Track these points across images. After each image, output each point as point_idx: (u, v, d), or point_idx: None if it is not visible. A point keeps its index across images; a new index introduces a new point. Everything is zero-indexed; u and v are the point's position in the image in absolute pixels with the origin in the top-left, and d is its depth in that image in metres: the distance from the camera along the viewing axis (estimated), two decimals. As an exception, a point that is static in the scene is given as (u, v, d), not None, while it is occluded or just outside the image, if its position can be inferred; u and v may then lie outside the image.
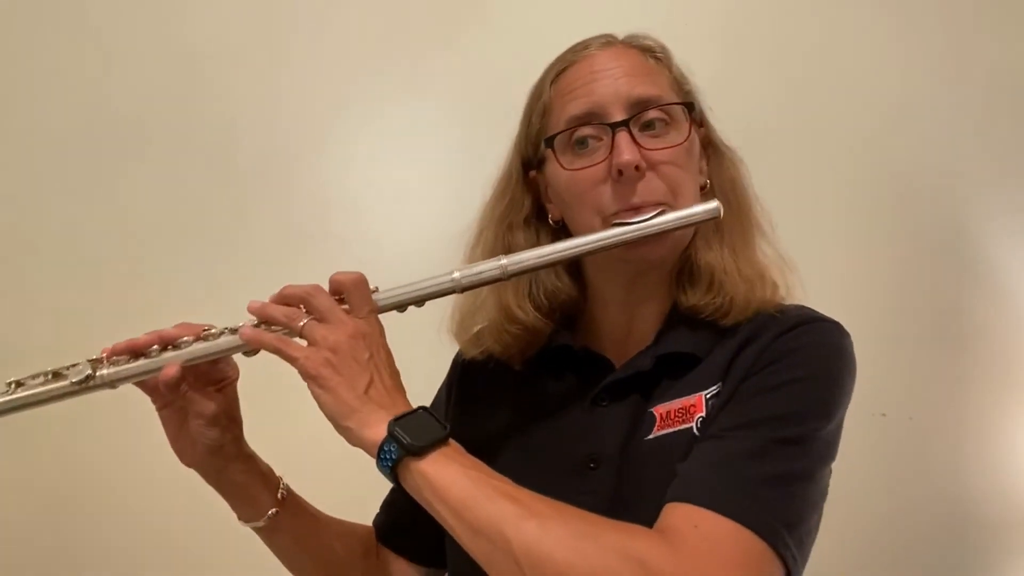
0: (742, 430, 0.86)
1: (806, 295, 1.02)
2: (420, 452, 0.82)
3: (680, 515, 0.80)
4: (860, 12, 1.83)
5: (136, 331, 0.95)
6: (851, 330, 0.97)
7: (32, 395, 0.94)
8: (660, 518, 0.82)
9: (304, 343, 0.89)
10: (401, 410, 0.87)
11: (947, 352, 1.74)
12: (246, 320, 0.93)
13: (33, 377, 0.95)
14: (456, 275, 0.96)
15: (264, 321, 0.92)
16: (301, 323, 0.89)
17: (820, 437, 0.88)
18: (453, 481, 0.81)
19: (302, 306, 0.91)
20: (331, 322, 0.88)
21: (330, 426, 1.42)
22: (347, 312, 0.90)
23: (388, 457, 0.83)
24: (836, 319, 0.98)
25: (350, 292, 0.91)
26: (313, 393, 0.87)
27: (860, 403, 0.96)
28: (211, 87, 1.80)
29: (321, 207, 1.76)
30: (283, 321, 0.90)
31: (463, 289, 0.97)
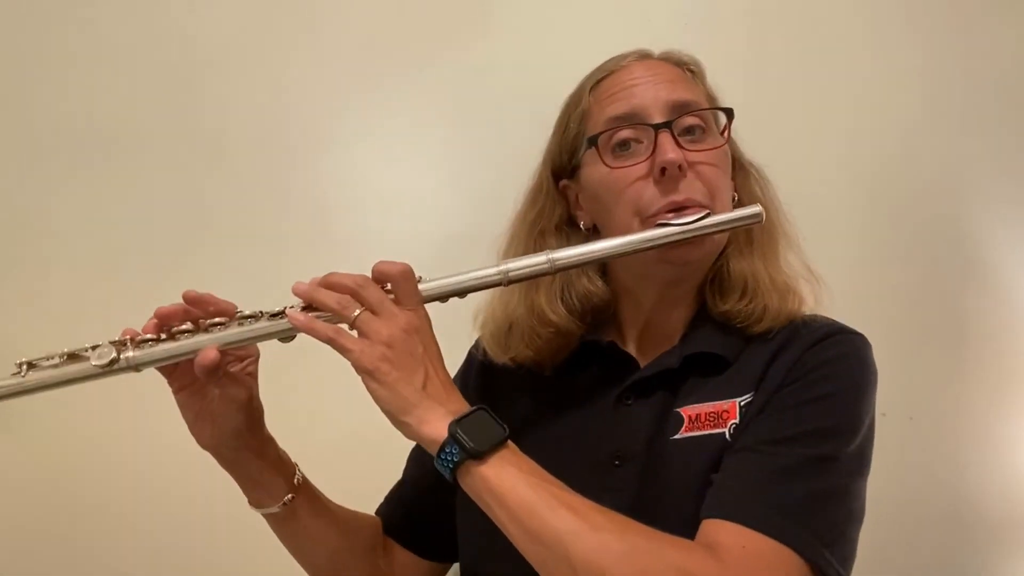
0: (778, 446, 0.88)
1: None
2: (481, 456, 0.83)
3: (726, 533, 0.82)
4: (874, 28, 1.81)
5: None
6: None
7: (51, 377, 0.89)
8: (705, 533, 0.84)
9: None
10: (457, 406, 0.86)
11: (947, 352, 1.73)
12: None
13: (47, 358, 0.91)
14: (504, 267, 0.94)
15: (311, 305, 0.89)
16: (355, 313, 0.86)
17: (852, 451, 0.90)
18: (512, 486, 0.82)
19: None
20: (383, 315, 0.86)
21: (338, 415, 1.44)
22: (395, 303, 0.88)
23: (449, 459, 0.83)
24: (838, 322, 1.01)
25: (397, 283, 0.89)
26: (369, 387, 0.85)
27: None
28: (211, 87, 1.76)
29: (321, 209, 1.72)
30: (335, 308, 0.87)
31: (510, 282, 0.95)
